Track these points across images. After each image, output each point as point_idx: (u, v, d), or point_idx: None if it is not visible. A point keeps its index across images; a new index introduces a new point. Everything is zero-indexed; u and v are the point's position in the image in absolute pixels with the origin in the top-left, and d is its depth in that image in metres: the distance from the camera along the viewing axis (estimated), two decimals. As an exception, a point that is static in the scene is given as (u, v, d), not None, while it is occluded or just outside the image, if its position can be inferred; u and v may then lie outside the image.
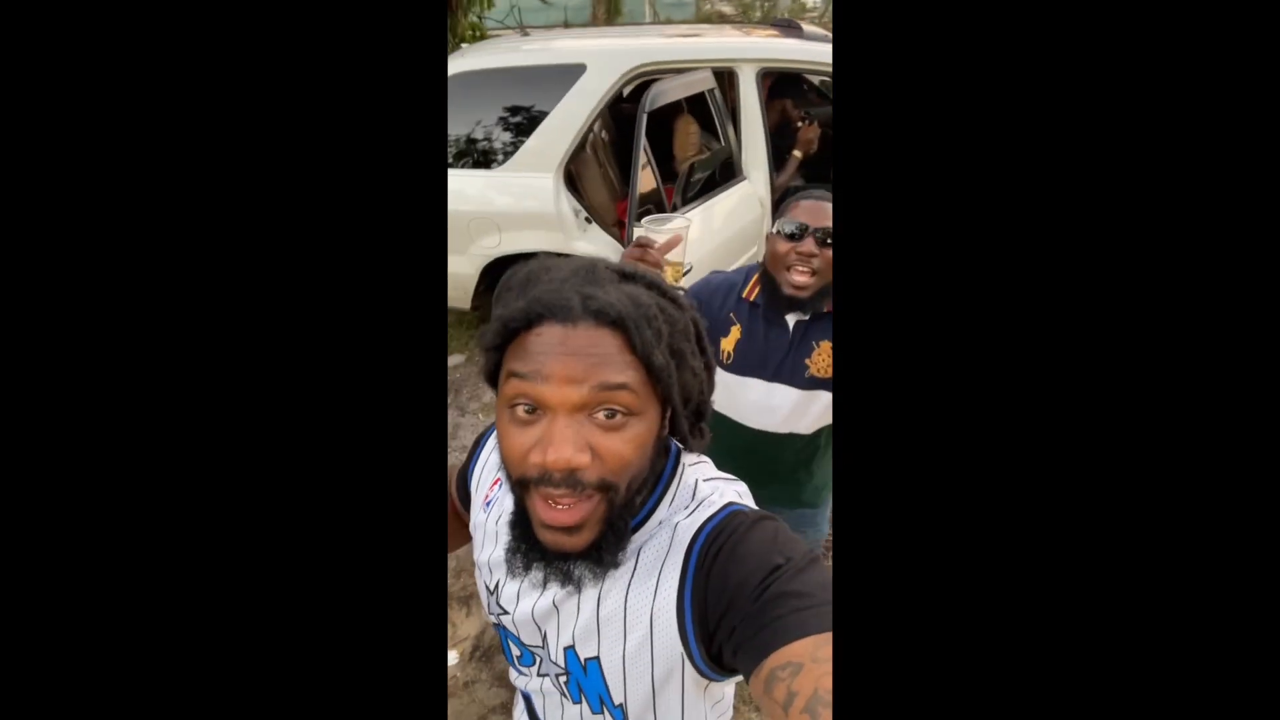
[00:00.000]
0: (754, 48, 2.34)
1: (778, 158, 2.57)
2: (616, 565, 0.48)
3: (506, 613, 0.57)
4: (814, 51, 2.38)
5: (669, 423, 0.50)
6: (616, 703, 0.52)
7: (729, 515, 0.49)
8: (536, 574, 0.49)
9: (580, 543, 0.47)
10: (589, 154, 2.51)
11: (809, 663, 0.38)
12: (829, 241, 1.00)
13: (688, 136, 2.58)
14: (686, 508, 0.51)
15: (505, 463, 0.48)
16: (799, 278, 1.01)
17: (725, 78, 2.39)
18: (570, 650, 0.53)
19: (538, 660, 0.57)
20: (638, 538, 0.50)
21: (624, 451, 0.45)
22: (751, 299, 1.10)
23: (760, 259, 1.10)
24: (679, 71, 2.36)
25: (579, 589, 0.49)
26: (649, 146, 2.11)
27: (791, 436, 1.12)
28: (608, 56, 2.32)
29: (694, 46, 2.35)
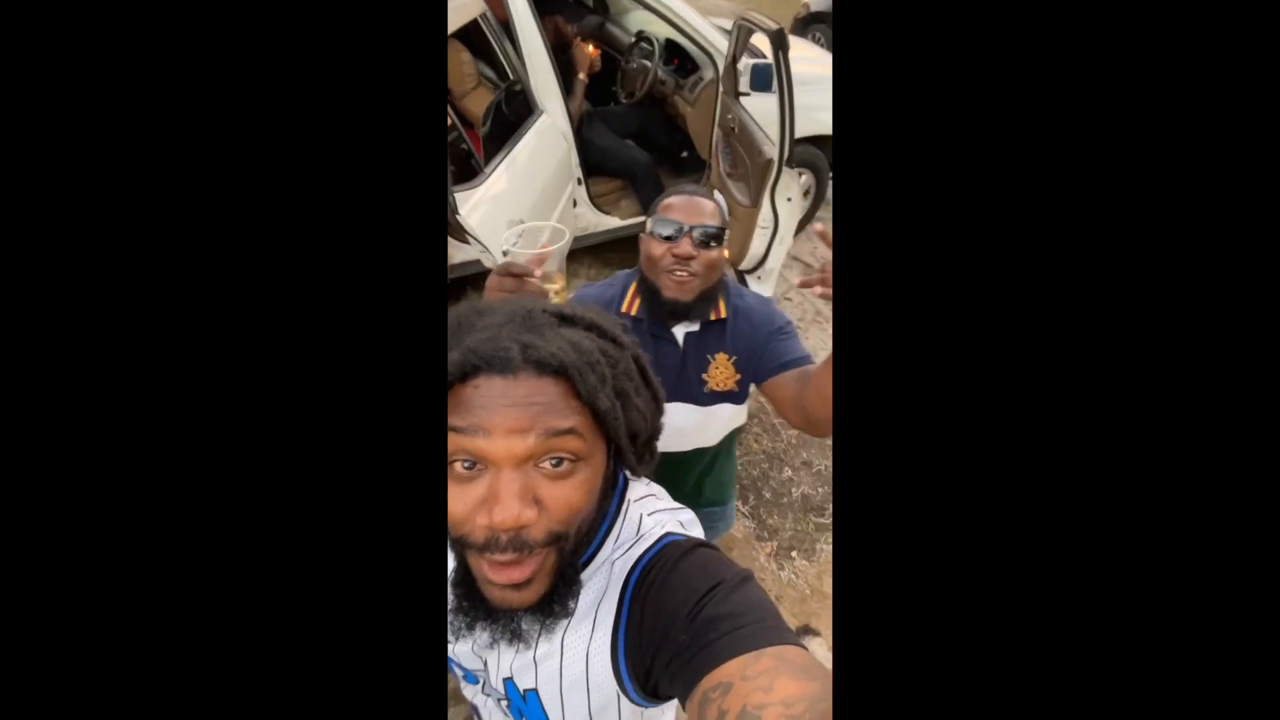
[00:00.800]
0: (518, -41, 2.08)
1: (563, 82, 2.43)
2: (568, 615, 0.47)
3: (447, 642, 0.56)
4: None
5: (614, 459, 0.50)
6: None
7: (662, 548, 0.49)
8: (482, 635, 0.47)
9: (530, 598, 0.45)
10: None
11: (738, 681, 0.39)
12: (709, 241, 0.91)
13: (460, 67, 2.27)
14: (629, 545, 0.51)
15: (450, 521, 0.44)
16: (679, 280, 0.91)
17: (492, -3, 2.11)
18: (509, 681, 0.53)
19: (481, 681, 0.57)
20: (581, 577, 0.50)
21: (573, 499, 0.44)
22: (633, 313, 0.99)
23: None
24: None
25: (525, 644, 0.48)
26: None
27: (698, 452, 1.08)
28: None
29: (448, -43, 2.00)
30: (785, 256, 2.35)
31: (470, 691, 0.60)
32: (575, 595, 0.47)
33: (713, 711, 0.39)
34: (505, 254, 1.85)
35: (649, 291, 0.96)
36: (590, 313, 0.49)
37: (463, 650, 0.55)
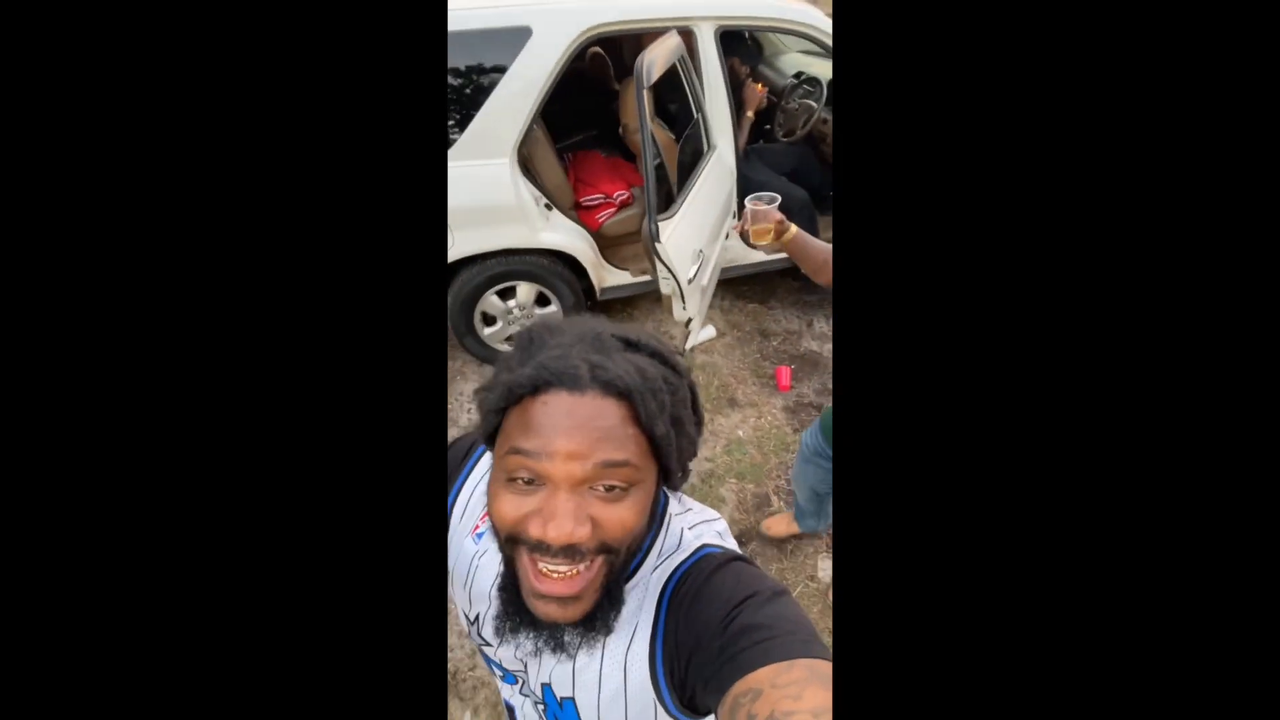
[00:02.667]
0: (713, 4, 2.16)
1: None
2: (610, 631, 0.48)
3: (489, 644, 0.57)
4: (771, 7, 2.26)
5: (662, 480, 0.51)
6: None
7: (699, 559, 0.50)
8: (527, 643, 0.48)
9: (576, 614, 0.46)
10: (536, 131, 2.20)
11: (768, 689, 0.39)
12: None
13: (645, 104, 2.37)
14: (668, 556, 0.51)
15: (495, 523, 0.46)
16: None
17: (684, 38, 2.20)
18: (547, 687, 0.54)
19: (520, 682, 0.58)
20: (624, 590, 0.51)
21: (626, 519, 0.45)
22: None
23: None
24: (635, 33, 2.12)
25: (568, 654, 0.48)
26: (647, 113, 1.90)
27: None
28: (556, 16, 2.00)
29: (650, 4, 2.11)
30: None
31: (508, 691, 0.61)
32: (619, 611, 0.48)
33: (742, 715, 0.39)
34: (690, 281, 1.86)
35: None
36: (653, 340, 0.51)
37: (504, 653, 0.56)
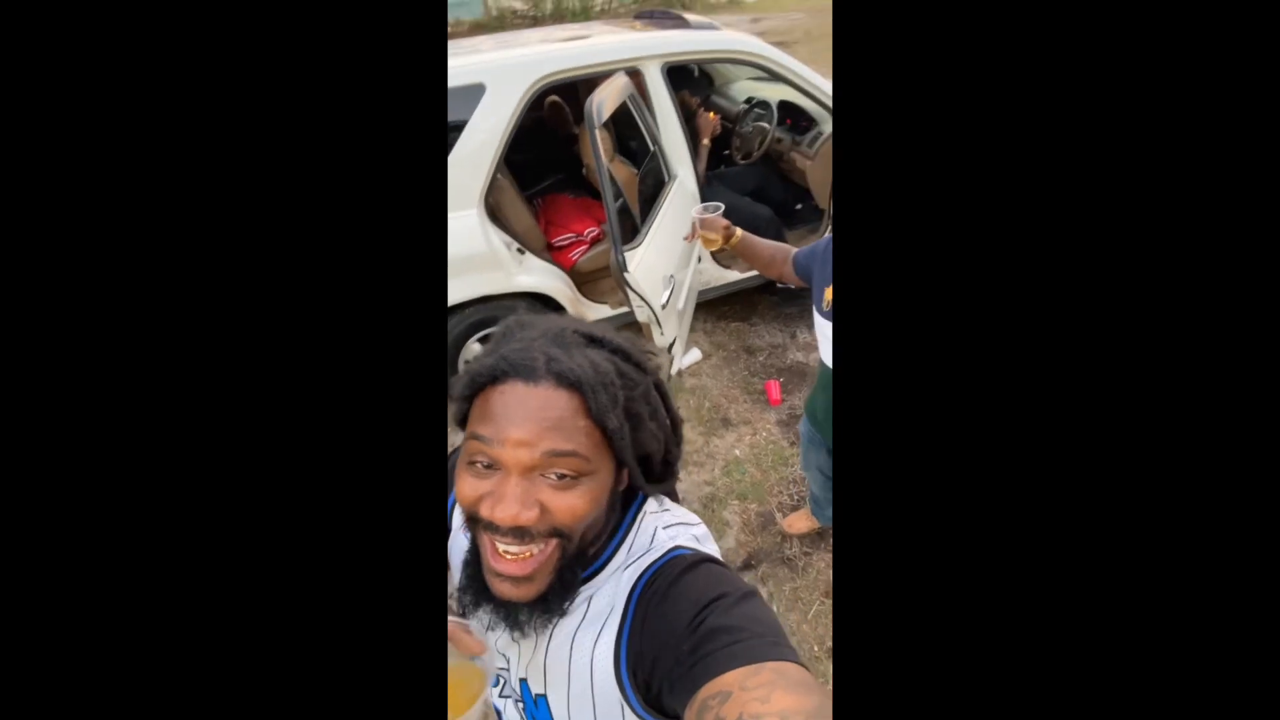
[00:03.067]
0: (656, 43, 2.26)
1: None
2: (564, 614, 0.50)
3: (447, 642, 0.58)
4: (711, 40, 2.37)
5: (626, 477, 0.52)
6: None
7: (669, 559, 0.50)
8: (484, 615, 0.51)
9: (529, 593, 0.48)
10: (501, 180, 2.27)
11: (737, 690, 0.40)
12: None
13: (607, 141, 2.45)
14: (640, 555, 0.52)
15: (459, 502, 0.49)
16: None
17: (632, 77, 2.30)
18: (524, 683, 0.55)
19: (502, 682, 0.59)
20: (590, 586, 0.52)
21: (575, 506, 0.47)
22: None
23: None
24: (586, 78, 2.21)
25: (523, 634, 0.50)
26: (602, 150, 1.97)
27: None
28: (506, 71, 2.09)
29: (597, 48, 2.21)
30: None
31: (493, 693, 0.62)
32: (571, 597, 0.50)
33: (710, 718, 0.40)
34: (663, 306, 1.91)
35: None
36: (617, 338, 0.52)
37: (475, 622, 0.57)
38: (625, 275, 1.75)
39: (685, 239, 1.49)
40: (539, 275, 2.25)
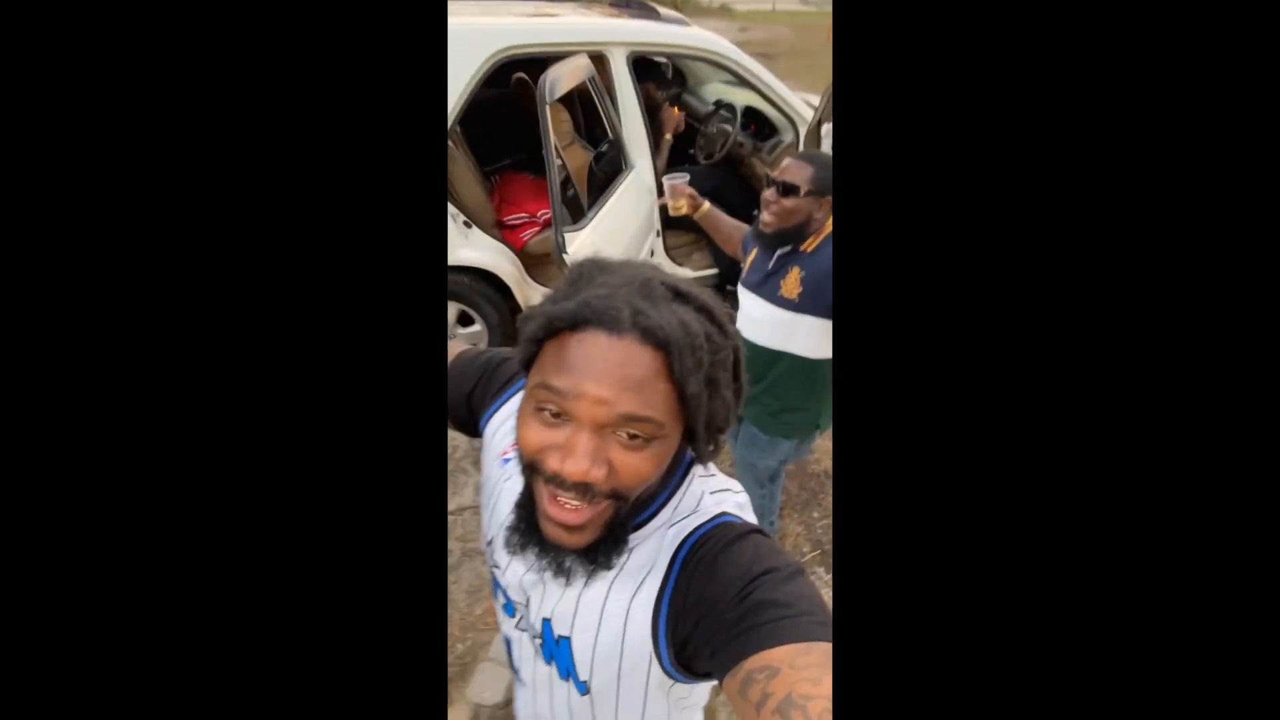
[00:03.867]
0: (625, 30, 2.25)
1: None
2: (609, 567, 0.49)
3: (499, 567, 0.59)
4: (680, 35, 2.37)
5: (687, 440, 0.50)
6: (582, 679, 0.54)
7: (717, 525, 0.50)
8: (531, 557, 0.50)
9: (580, 541, 0.47)
10: (453, 149, 2.22)
11: (786, 668, 0.39)
12: (788, 191, 1.28)
13: (561, 124, 2.42)
14: (685, 516, 0.52)
15: (520, 446, 0.47)
16: (765, 216, 1.32)
17: (596, 62, 2.28)
18: (547, 622, 0.55)
19: (519, 615, 0.59)
20: (631, 540, 0.51)
21: (641, 469, 0.45)
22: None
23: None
24: (548, 56, 2.18)
25: (568, 580, 0.50)
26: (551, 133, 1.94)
27: (784, 355, 1.35)
28: (468, 38, 2.04)
29: (562, 27, 2.18)
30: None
31: (507, 625, 0.62)
32: (620, 552, 0.49)
33: (756, 691, 0.39)
34: None
35: (756, 223, 1.41)
36: (705, 294, 0.49)
37: (511, 580, 0.57)
38: (565, 256, 1.73)
39: (657, 201, 1.63)
40: (484, 251, 2.21)
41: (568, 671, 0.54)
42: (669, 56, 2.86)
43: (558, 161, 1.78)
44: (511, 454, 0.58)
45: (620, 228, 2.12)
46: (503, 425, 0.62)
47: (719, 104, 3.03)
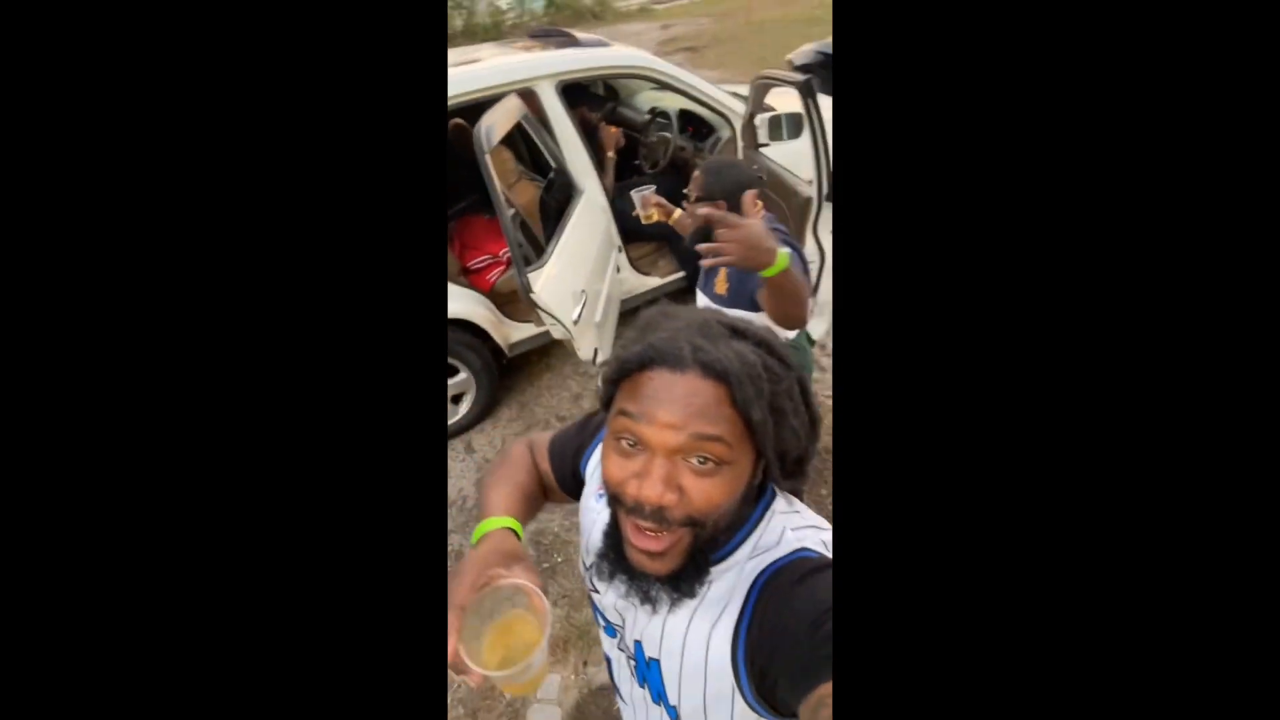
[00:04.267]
0: (548, 62, 2.31)
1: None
2: (692, 595, 0.52)
3: (597, 591, 0.62)
4: (601, 57, 2.43)
5: (762, 471, 0.53)
6: (672, 703, 0.56)
7: (794, 559, 0.52)
8: (620, 584, 0.54)
9: (662, 568, 0.51)
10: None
11: None
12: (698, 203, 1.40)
13: (504, 164, 2.47)
14: (766, 550, 0.54)
15: (605, 479, 0.51)
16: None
17: (527, 98, 2.33)
18: (639, 644, 0.58)
19: (619, 635, 0.63)
20: (713, 572, 0.53)
21: (712, 494, 0.48)
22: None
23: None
24: (480, 101, 2.23)
25: (654, 607, 0.53)
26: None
27: None
28: (398, 101, 2.08)
29: (486, 71, 2.23)
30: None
31: (608, 644, 0.66)
32: (703, 581, 0.52)
33: (825, 715, 0.41)
34: (576, 321, 1.97)
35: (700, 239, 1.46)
36: (763, 330, 0.54)
37: (607, 603, 0.61)
38: (532, 296, 1.77)
39: (633, 214, 1.76)
40: (456, 301, 2.25)
41: (659, 695, 0.57)
42: (593, 80, 2.92)
43: (509, 209, 1.82)
44: (603, 490, 0.62)
45: (581, 252, 2.17)
46: (597, 466, 0.66)
47: (654, 112, 3.10)
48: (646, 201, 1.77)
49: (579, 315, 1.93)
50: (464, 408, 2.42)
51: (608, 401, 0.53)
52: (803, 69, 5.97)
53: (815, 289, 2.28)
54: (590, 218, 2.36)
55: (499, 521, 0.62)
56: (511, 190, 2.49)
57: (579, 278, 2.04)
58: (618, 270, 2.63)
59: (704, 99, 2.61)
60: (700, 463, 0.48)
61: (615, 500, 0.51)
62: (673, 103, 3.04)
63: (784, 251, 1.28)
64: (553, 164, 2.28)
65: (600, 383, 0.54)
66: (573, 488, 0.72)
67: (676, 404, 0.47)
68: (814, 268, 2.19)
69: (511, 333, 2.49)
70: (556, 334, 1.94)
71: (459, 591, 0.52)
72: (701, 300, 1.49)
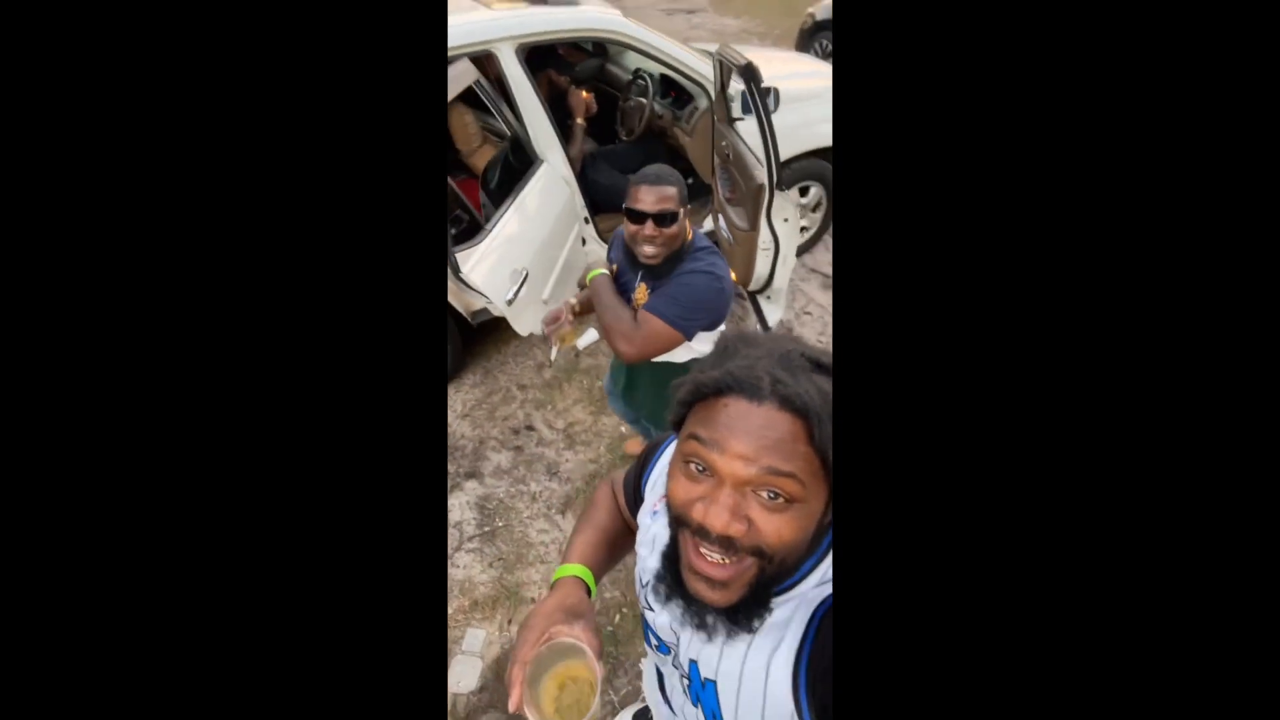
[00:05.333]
0: (506, 24, 2.20)
1: (562, 129, 2.53)
2: (751, 630, 0.50)
3: (651, 609, 0.61)
4: (568, 19, 2.32)
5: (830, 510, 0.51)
6: None
7: None
8: (675, 608, 0.52)
9: (722, 600, 0.49)
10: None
11: None
12: (670, 219, 1.23)
13: (465, 127, 2.42)
14: (828, 581, 0.52)
15: (669, 499, 0.50)
16: (648, 250, 1.26)
17: (483, 63, 2.24)
18: (694, 664, 0.57)
19: (672, 653, 0.61)
20: (775, 601, 0.52)
21: (781, 531, 0.47)
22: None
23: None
24: (434, 63, 2.16)
25: (709, 636, 0.51)
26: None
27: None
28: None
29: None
30: (791, 274, 2.35)
31: (660, 660, 0.65)
32: (762, 616, 0.50)
33: None
34: (509, 303, 1.95)
35: (627, 250, 1.37)
36: None
37: (661, 622, 0.59)
38: (460, 277, 1.76)
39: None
40: (405, 270, 2.25)
41: (713, 715, 0.55)
42: (559, 43, 2.79)
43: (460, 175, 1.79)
44: (659, 507, 0.61)
45: (528, 228, 2.13)
46: (658, 479, 0.66)
47: (637, 74, 2.97)
48: (556, 319, 1.50)
49: (514, 294, 1.92)
50: (419, 373, 2.46)
51: (679, 422, 0.52)
52: (820, 26, 5.64)
53: (770, 279, 2.22)
54: (548, 189, 2.30)
55: (572, 570, 0.65)
56: (475, 155, 2.44)
57: (520, 255, 2.01)
58: (583, 243, 2.59)
59: (679, 66, 2.49)
60: (770, 498, 0.46)
61: (679, 520, 0.50)
62: (656, 67, 2.90)
63: (595, 271, 1.42)
64: (507, 133, 2.22)
65: (671, 399, 0.52)
66: (634, 507, 0.71)
67: (750, 435, 0.46)
68: (768, 255, 2.13)
69: (474, 301, 2.50)
70: (494, 311, 1.94)
71: (523, 648, 0.55)
72: None
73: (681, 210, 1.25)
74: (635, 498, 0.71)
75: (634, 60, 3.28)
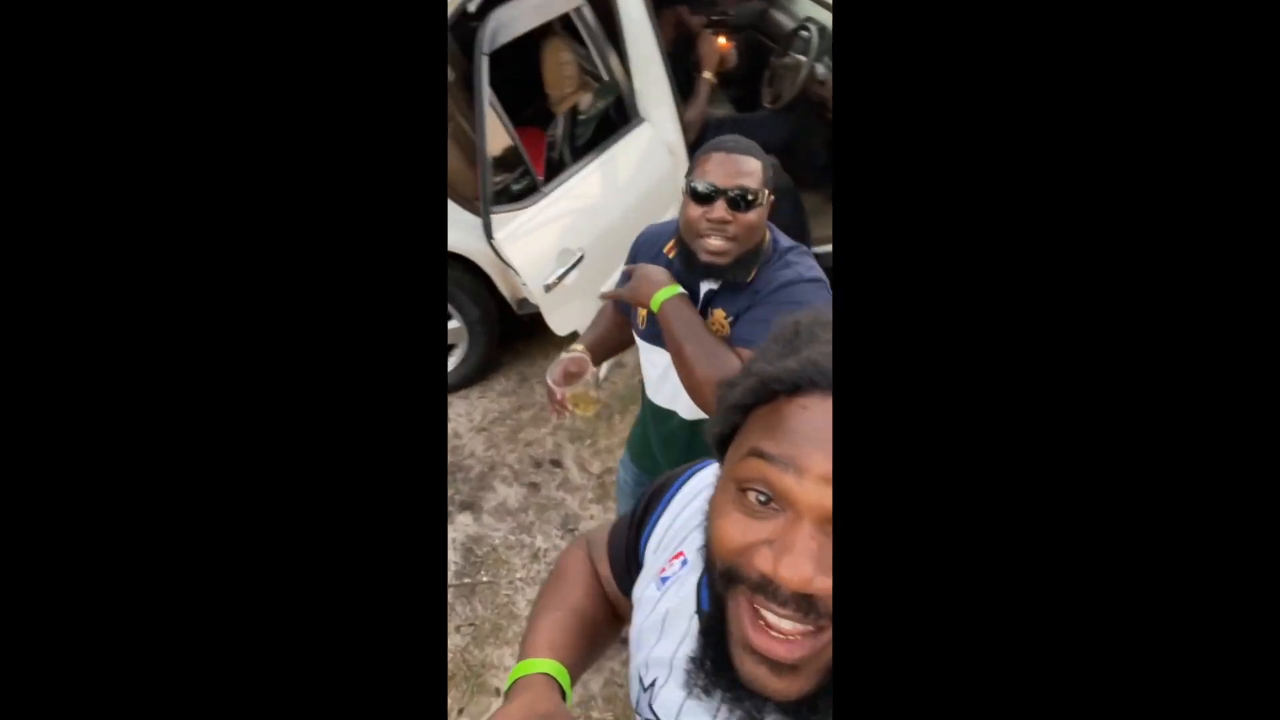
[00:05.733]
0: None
1: (684, 84, 1.99)
2: None
3: (655, 717, 0.48)
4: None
5: None
6: None
7: None
8: (718, 704, 0.40)
9: (790, 689, 0.36)
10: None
11: None
12: (748, 203, 0.87)
13: (560, 67, 1.96)
14: None
15: (714, 547, 0.38)
16: (715, 244, 0.88)
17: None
18: None
19: None
20: None
21: None
22: (670, 256, 0.99)
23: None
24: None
25: None
26: (495, 95, 1.54)
27: (674, 414, 1.04)
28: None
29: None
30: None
31: None
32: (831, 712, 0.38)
33: None
34: (548, 289, 1.44)
35: (685, 250, 0.93)
36: None
37: (691, 706, 0.45)
38: (493, 242, 1.38)
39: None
40: (456, 230, 1.88)
41: None
42: None
43: (490, 123, 1.38)
44: (673, 567, 0.50)
45: (602, 203, 1.67)
46: (664, 537, 0.53)
47: (803, 24, 2.30)
48: (579, 369, 1.04)
49: (557, 279, 1.48)
50: (450, 363, 2.05)
51: (727, 436, 0.39)
52: None
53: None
54: (640, 158, 1.81)
55: (539, 666, 0.51)
56: (565, 102, 1.99)
57: (580, 232, 1.56)
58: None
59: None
60: None
61: (729, 576, 0.36)
62: (829, 16, 2.21)
63: (667, 291, 0.90)
64: (601, 78, 1.74)
65: (718, 407, 0.40)
66: (626, 580, 0.56)
67: None
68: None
69: (521, 287, 2.09)
70: (525, 294, 1.54)
71: None
72: (660, 356, 1.01)
73: (765, 194, 0.89)
74: (629, 564, 0.57)
75: (806, 8, 2.60)
